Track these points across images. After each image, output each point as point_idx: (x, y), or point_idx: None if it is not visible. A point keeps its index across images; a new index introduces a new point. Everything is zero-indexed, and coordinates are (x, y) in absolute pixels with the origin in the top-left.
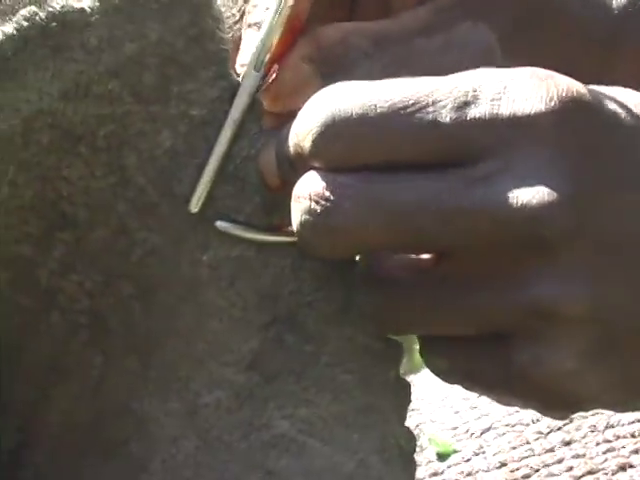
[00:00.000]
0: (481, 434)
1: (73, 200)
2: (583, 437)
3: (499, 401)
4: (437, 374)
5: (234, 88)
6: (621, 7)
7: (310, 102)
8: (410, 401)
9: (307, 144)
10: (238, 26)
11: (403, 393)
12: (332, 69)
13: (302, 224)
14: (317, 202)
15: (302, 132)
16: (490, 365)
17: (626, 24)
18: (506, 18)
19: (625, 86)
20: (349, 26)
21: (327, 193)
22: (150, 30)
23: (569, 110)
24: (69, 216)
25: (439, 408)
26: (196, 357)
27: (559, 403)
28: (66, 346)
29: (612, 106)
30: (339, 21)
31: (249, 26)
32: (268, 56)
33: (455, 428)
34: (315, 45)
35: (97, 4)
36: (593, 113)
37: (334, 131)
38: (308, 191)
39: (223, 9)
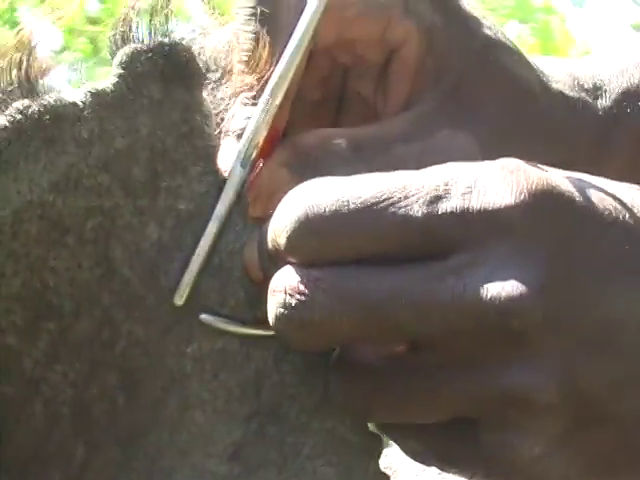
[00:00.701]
0: None
1: (59, 290)
2: None
3: None
4: (411, 456)
5: (221, 183)
6: (607, 109)
7: (285, 199)
8: None
9: (282, 240)
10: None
11: None
12: (310, 174)
13: (277, 317)
14: (292, 295)
15: (278, 228)
16: (462, 448)
17: (613, 126)
18: (488, 124)
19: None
20: (328, 132)
21: (301, 287)
22: (141, 125)
23: (539, 202)
24: (55, 306)
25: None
26: (179, 448)
27: None
28: (48, 436)
29: (586, 196)
30: (324, 123)
31: (227, 134)
32: (255, 152)
33: None
34: (293, 151)
35: (89, 99)
36: (564, 204)
37: (308, 227)
38: (283, 285)
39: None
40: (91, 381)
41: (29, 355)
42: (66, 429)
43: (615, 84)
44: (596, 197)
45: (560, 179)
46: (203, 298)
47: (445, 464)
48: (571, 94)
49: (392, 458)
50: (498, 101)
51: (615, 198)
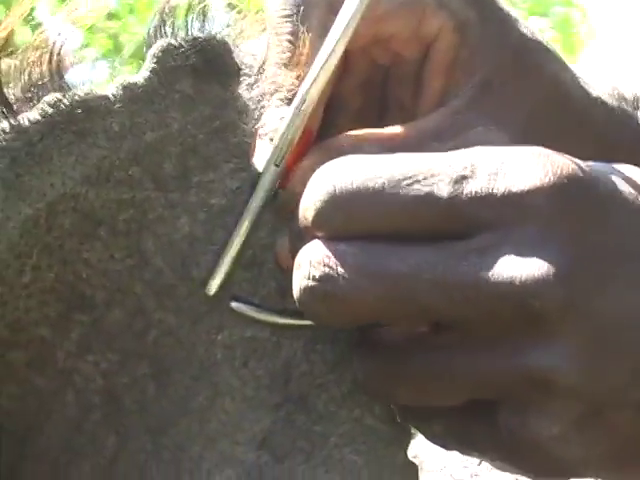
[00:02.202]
0: None
1: (92, 282)
2: None
3: (493, 465)
4: (431, 439)
5: (254, 180)
6: None
7: (315, 175)
8: None
9: (310, 214)
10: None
11: (411, 476)
12: None
13: (301, 289)
14: (316, 268)
15: (307, 203)
16: (481, 429)
17: None
18: (522, 122)
19: None
20: (361, 134)
21: (327, 260)
22: (172, 120)
23: (564, 187)
24: (87, 298)
25: (438, 477)
26: (209, 436)
27: (548, 468)
28: (79, 426)
29: (612, 183)
30: None
31: (260, 137)
32: (289, 151)
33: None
34: (326, 153)
35: (120, 92)
36: (589, 190)
37: (336, 202)
38: (309, 258)
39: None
40: (122, 371)
41: (61, 347)
42: (97, 419)
43: None
44: (623, 185)
45: (587, 166)
46: (235, 288)
47: (465, 447)
48: (610, 101)
49: (418, 449)
50: (533, 99)
51: None
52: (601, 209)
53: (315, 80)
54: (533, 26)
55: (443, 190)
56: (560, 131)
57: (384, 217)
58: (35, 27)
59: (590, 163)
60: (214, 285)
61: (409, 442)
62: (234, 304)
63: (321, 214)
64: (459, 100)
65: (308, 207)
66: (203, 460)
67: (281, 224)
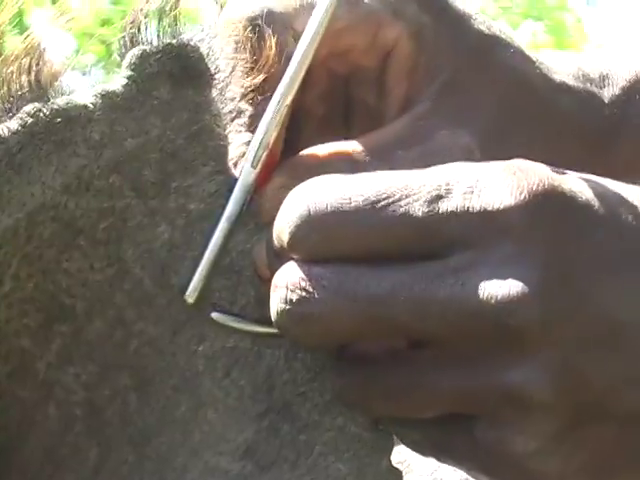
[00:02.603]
0: None
1: (72, 292)
2: None
3: (470, 475)
4: (409, 445)
5: (232, 183)
6: (614, 98)
7: (289, 196)
8: None
9: (285, 237)
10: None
11: None
12: None
13: (278, 312)
14: (293, 291)
15: (281, 225)
16: (459, 440)
17: (621, 114)
18: (486, 120)
19: (619, 179)
20: (327, 149)
21: (303, 283)
22: (151, 126)
23: (539, 203)
24: (67, 308)
25: (415, 468)
26: (192, 447)
27: None
28: (62, 438)
29: (588, 196)
30: (335, 136)
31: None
32: (265, 153)
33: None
34: (291, 173)
35: (99, 101)
36: (565, 205)
37: (310, 224)
38: (285, 281)
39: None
40: (103, 382)
41: (42, 358)
42: (80, 430)
43: (622, 72)
44: (598, 197)
45: (563, 179)
46: (214, 297)
47: (442, 456)
48: (576, 84)
49: (406, 454)
50: (495, 95)
51: (618, 198)
52: (577, 225)
53: (291, 80)
54: (489, 20)
55: (418, 210)
56: (527, 122)
57: (359, 239)
58: (24, 31)
59: (568, 175)
60: (193, 293)
61: (392, 448)
62: (214, 314)
63: (296, 237)
64: (421, 106)
65: (282, 230)
66: (187, 471)
67: (259, 229)
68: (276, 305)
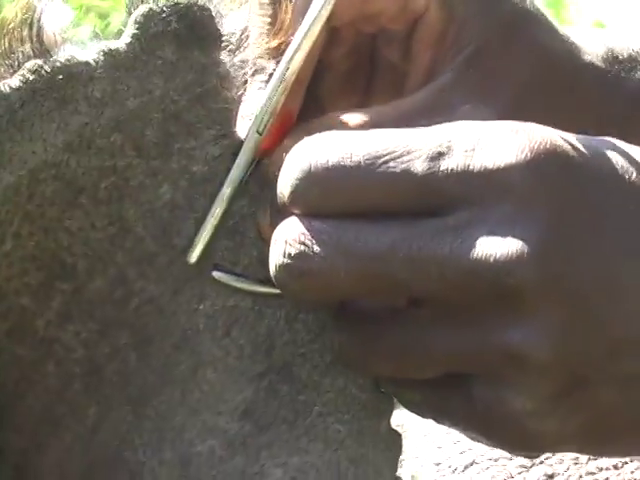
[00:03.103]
0: (464, 469)
1: (73, 250)
2: (566, 470)
3: (467, 436)
4: (408, 407)
5: (236, 147)
6: (637, 84)
7: (292, 151)
8: (401, 452)
9: (287, 191)
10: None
11: (395, 445)
12: None
13: (277, 266)
14: (292, 245)
15: (284, 180)
16: (457, 401)
17: None
18: (510, 95)
19: None
20: (343, 117)
21: (302, 237)
22: (154, 86)
23: (540, 163)
24: (68, 266)
25: (421, 444)
26: (190, 406)
27: (522, 442)
28: (60, 396)
29: (593, 159)
30: (355, 99)
31: (241, 117)
32: (271, 119)
33: (438, 464)
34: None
35: (102, 58)
36: (567, 166)
37: (311, 178)
38: (285, 235)
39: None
40: (103, 340)
41: (42, 316)
42: (78, 389)
43: None
44: (604, 158)
45: (566, 139)
46: (216, 257)
47: (440, 417)
48: (603, 66)
49: (402, 417)
50: (520, 73)
51: (624, 158)
52: (579, 184)
53: (298, 48)
54: None
55: (419, 167)
56: (551, 100)
57: (360, 194)
58: None
59: (575, 136)
60: (195, 253)
61: (392, 411)
62: (215, 273)
63: (297, 191)
64: (446, 77)
65: (285, 184)
66: (185, 430)
67: (263, 193)
68: (275, 259)
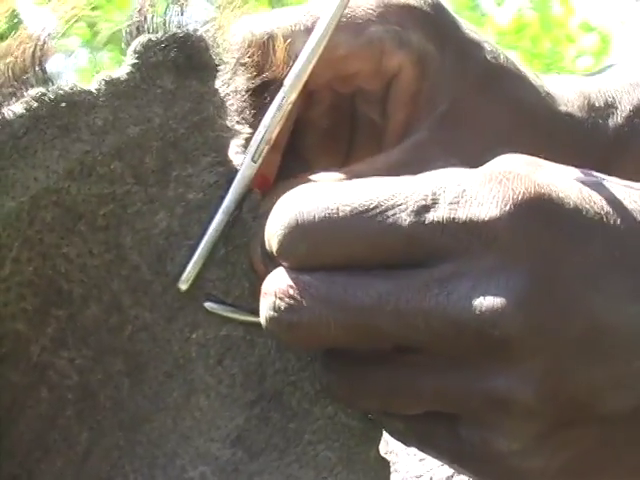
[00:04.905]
0: None
1: (70, 277)
2: None
3: (451, 467)
4: (392, 434)
5: (231, 174)
6: (618, 127)
7: (278, 203)
8: (389, 479)
9: (274, 245)
10: None
11: (383, 472)
12: None
13: (267, 319)
14: (281, 299)
15: (270, 233)
16: (442, 434)
17: (624, 145)
18: (485, 151)
19: None
20: (319, 177)
21: (291, 291)
22: (154, 115)
23: (523, 213)
24: (64, 293)
25: (403, 456)
26: (183, 433)
27: (507, 479)
28: (53, 422)
29: (577, 200)
30: (337, 155)
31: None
32: (267, 148)
33: (419, 476)
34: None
35: (103, 87)
36: (551, 214)
37: (297, 233)
38: (274, 288)
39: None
40: (97, 367)
41: (37, 341)
42: (71, 415)
43: (627, 100)
44: (589, 201)
45: (551, 184)
46: (208, 287)
47: (425, 447)
48: (580, 115)
49: (394, 444)
50: (496, 125)
51: (611, 201)
52: (562, 234)
53: (297, 78)
54: (498, 48)
55: (405, 221)
56: (528, 152)
57: (347, 248)
58: (13, 18)
59: (567, 174)
60: (187, 281)
61: (381, 437)
62: (207, 304)
63: (284, 246)
64: (421, 134)
65: (271, 236)
66: (177, 456)
67: (255, 223)
68: (265, 312)
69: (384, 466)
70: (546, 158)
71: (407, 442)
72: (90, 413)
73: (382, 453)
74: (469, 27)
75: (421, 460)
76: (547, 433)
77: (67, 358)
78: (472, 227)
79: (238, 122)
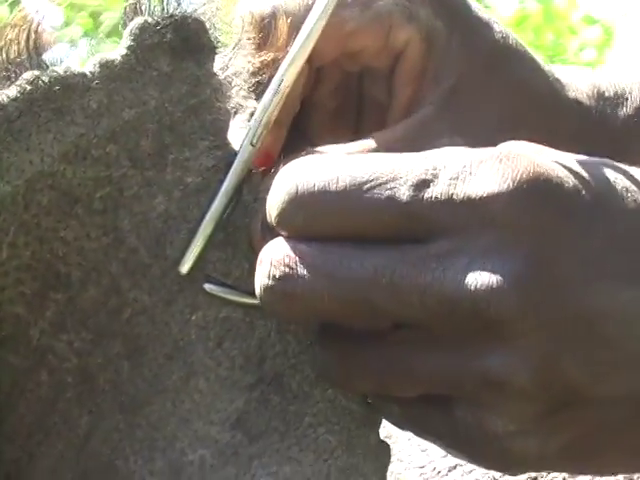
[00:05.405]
0: (448, 472)
1: (68, 260)
2: (548, 472)
3: (447, 452)
4: (388, 418)
5: (230, 158)
6: (628, 118)
7: (279, 174)
8: (389, 463)
9: (274, 214)
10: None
11: (384, 455)
12: None
13: (262, 287)
14: (277, 267)
15: (271, 203)
16: (438, 418)
17: (634, 135)
18: (488, 130)
19: None
20: (325, 151)
21: (287, 260)
22: (149, 97)
23: (523, 193)
24: (63, 276)
25: (405, 447)
26: (182, 416)
27: (504, 462)
28: (53, 405)
29: (578, 183)
30: (344, 136)
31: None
32: (265, 131)
33: (422, 467)
34: None
35: (98, 70)
36: (551, 193)
37: (296, 202)
38: (270, 256)
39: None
40: (96, 350)
41: (36, 325)
42: (71, 398)
43: (638, 92)
44: (587, 183)
45: (551, 165)
46: (208, 268)
47: (420, 431)
48: (588, 102)
49: (392, 428)
50: (499, 106)
51: (610, 182)
52: (561, 214)
53: (293, 61)
54: (508, 30)
55: (404, 194)
56: (533, 135)
57: (345, 219)
58: (13, 4)
59: (567, 157)
60: (187, 264)
61: (381, 421)
62: (207, 286)
63: (283, 214)
64: (426, 110)
65: (272, 206)
66: (177, 439)
67: (255, 204)
68: (260, 280)
69: (384, 450)
70: (550, 145)
71: (402, 426)
72: (90, 396)
73: (382, 437)
74: (478, 7)
75: (424, 451)
76: (544, 415)
77: (66, 341)
78: (471, 204)
79: (244, 97)
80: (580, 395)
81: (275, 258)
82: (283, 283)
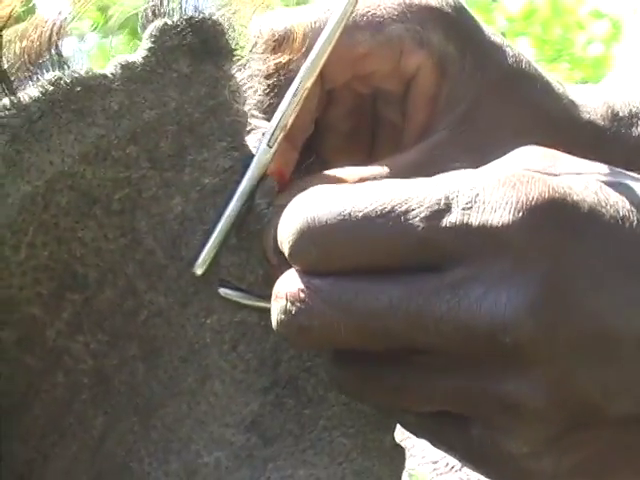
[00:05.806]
0: (462, 467)
1: (85, 261)
2: None
3: (462, 464)
4: (403, 426)
5: (247, 159)
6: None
7: (289, 207)
8: (404, 466)
9: (286, 247)
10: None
11: (399, 459)
12: None
13: (279, 322)
14: (292, 303)
15: (282, 236)
16: (453, 431)
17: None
18: (502, 154)
19: None
20: (341, 175)
21: (302, 295)
22: (169, 99)
23: (537, 220)
24: (80, 277)
25: (418, 442)
26: (197, 418)
27: (517, 479)
28: (68, 406)
29: (592, 205)
30: (358, 157)
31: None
32: (282, 134)
33: (435, 462)
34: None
35: (119, 71)
36: (565, 218)
37: (309, 238)
38: (285, 291)
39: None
40: (112, 351)
41: (52, 326)
42: (86, 399)
43: None
44: (604, 204)
45: (566, 187)
46: (223, 272)
47: (436, 442)
48: (602, 123)
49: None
50: (513, 130)
51: (627, 202)
52: (577, 238)
53: (313, 64)
54: (520, 50)
55: (418, 225)
56: None
57: (358, 252)
58: (28, 2)
59: (574, 179)
60: (202, 265)
61: (396, 425)
62: (221, 290)
63: (295, 248)
64: (439, 135)
65: (283, 239)
66: (192, 441)
67: (269, 210)
68: (276, 315)
69: (399, 453)
70: (564, 151)
71: (418, 435)
72: (105, 397)
73: (398, 440)
74: (491, 31)
75: None
76: (557, 436)
77: (82, 342)
78: (485, 232)
79: (254, 116)
80: (594, 416)
81: (290, 293)
82: (299, 318)
